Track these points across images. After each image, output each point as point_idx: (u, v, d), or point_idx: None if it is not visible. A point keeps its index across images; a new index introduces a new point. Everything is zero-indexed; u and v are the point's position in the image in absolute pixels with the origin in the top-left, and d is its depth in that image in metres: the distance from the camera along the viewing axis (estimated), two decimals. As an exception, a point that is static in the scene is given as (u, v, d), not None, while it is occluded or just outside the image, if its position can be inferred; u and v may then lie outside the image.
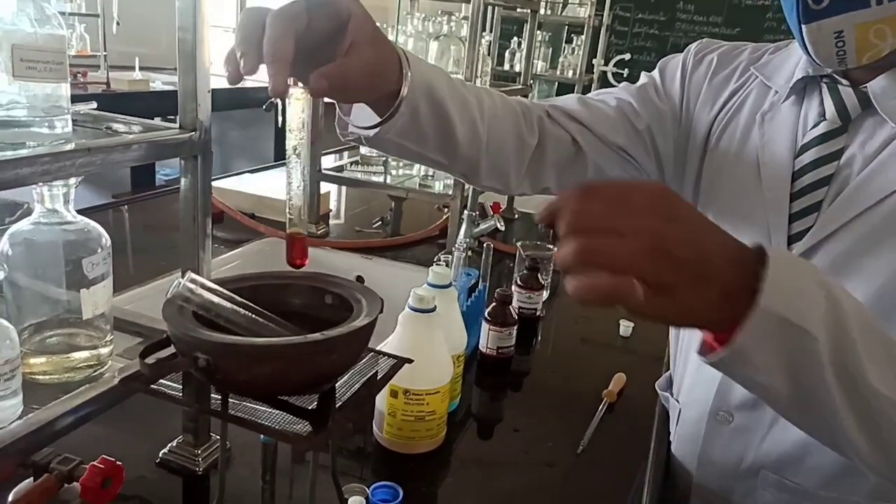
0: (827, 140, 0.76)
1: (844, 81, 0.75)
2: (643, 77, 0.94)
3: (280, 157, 4.37)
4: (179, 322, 0.52)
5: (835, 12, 0.66)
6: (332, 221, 1.96)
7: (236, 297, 0.58)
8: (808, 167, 0.77)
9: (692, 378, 0.92)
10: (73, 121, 0.68)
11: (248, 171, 2.21)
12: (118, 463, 0.69)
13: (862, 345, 0.48)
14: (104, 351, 0.73)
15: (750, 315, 0.46)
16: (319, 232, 1.74)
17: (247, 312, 0.56)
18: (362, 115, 0.72)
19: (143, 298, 1.29)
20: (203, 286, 0.57)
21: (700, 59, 0.91)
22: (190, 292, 0.55)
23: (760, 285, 0.45)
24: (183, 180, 0.73)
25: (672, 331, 1.03)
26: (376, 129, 0.70)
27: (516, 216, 2.17)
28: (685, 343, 0.95)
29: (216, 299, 0.56)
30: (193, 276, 0.57)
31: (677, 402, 0.97)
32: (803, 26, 0.68)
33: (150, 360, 0.55)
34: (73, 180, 0.68)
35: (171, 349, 0.56)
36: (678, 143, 0.90)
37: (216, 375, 0.51)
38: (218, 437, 0.83)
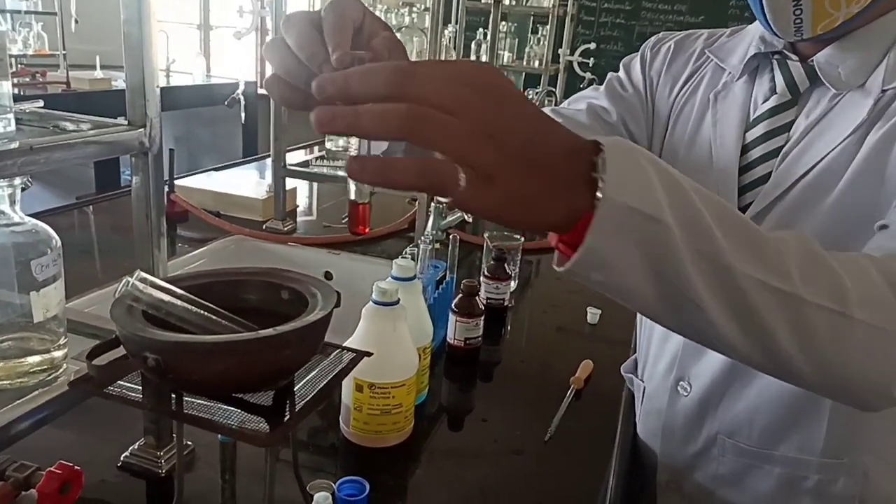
0: (777, 113, 0.79)
1: (794, 57, 0.78)
2: (608, 76, 0.97)
3: (248, 153, 4.33)
4: (128, 322, 0.51)
5: None
6: (302, 218, 1.94)
7: (188, 294, 0.57)
8: (758, 140, 0.80)
9: (655, 353, 0.95)
10: (17, 120, 0.67)
11: (214, 169, 2.18)
12: (76, 468, 0.67)
13: (716, 225, 0.45)
14: (58, 354, 0.71)
15: (596, 208, 0.41)
16: (286, 228, 1.72)
17: (199, 310, 0.56)
18: None
19: (106, 300, 1.27)
20: (153, 284, 0.55)
21: (657, 50, 0.94)
22: (139, 291, 0.54)
23: (600, 175, 0.41)
24: (134, 178, 0.72)
25: (639, 314, 1.04)
26: None
27: (485, 207, 2.16)
28: (648, 321, 0.97)
29: (167, 298, 0.55)
30: (143, 274, 0.55)
31: (641, 381, 1.00)
32: None
33: (100, 361, 0.54)
34: (18, 180, 0.67)
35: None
36: (648, 125, 0.93)
37: (168, 375, 0.50)
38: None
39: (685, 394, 0.89)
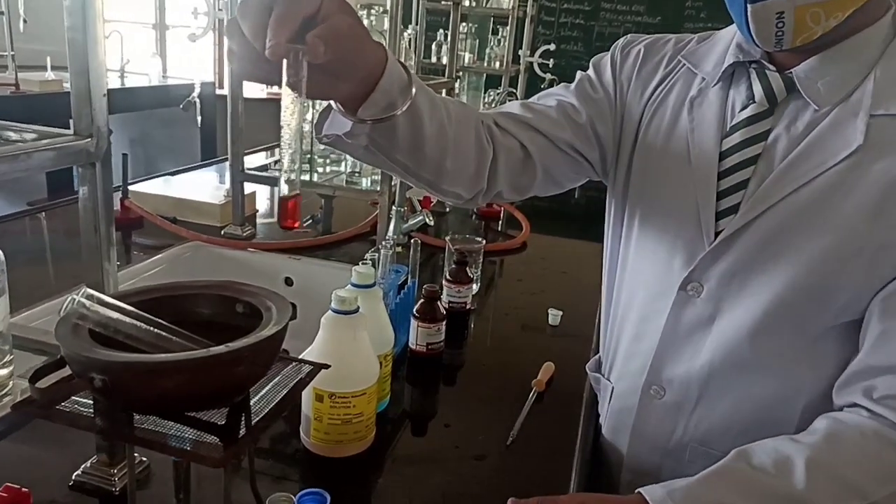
0: (754, 122, 0.80)
1: (771, 67, 0.79)
2: (578, 75, 0.97)
3: (207, 155, 4.26)
4: (73, 342, 0.50)
5: None
6: (264, 220, 1.92)
7: (138, 311, 0.55)
8: (735, 147, 0.81)
9: (626, 353, 0.95)
10: (-44, 130, 0.64)
11: (170, 173, 2.13)
12: (23, 490, 0.65)
13: None
14: (3, 372, 0.69)
15: None
16: (245, 234, 1.69)
17: (148, 327, 0.54)
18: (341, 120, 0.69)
19: (55, 313, 1.23)
20: (100, 301, 0.54)
21: (627, 53, 0.95)
22: (85, 308, 0.52)
23: None
24: (81, 189, 0.69)
25: (602, 310, 1.05)
26: (369, 123, 0.67)
27: (447, 209, 2.16)
28: (618, 322, 0.98)
29: (115, 315, 0.53)
30: (90, 291, 0.54)
31: (608, 380, 1.00)
32: (749, 6, 0.71)
33: (45, 382, 0.52)
34: (-44, 194, 0.64)
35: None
36: (615, 128, 0.94)
37: (115, 395, 0.49)
38: (136, 454, 0.80)
39: (658, 397, 0.89)
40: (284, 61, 0.54)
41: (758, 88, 0.80)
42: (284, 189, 0.57)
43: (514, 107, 0.94)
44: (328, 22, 0.56)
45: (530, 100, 0.96)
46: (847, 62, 0.75)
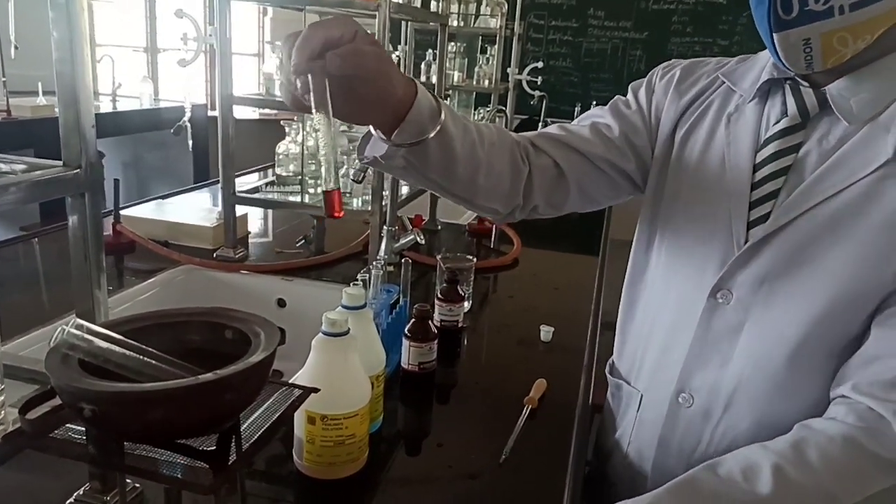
0: (787, 135, 0.83)
1: (805, 84, 0.82)
2: (615, 98, 1.02)
3: (200, 176, 4.27)
4: (62, 372, 0.50)
5: (803, 22, 0.72)
6: (258, 240, 1.92)
7: (127, 340, 0.56)
8: (768, 159, 0.84)
9: (654, 362, 0.97)
10: (-55, 163, 0.65)
11: (161, 197, 2.14)
12: (16, 520, 0.65)
13: None
14: (-7, 403, 0.69)
15: None
16: (237, 256, 1.70)
17: (138, 356, 0.55)
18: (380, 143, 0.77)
19: (48, 340, 1.23)
20: (90, 331, 0.55)
21: (664, 73, 1.00)
22: (75, 339, 0.53)
23: None
24: (70, 218, 0.70)
25: (621, 314, 1.07)
26: (402, 147, 0.75)
27: (439, 227, 2.17)
28: (645, 329, 0.99)
29: (104, 345, 0.54)
30: (79, 321, 0.54)
31: (634, 388, 1.01)
32: (774, 35, 0.74)
33: (36, 412, 0.52)
34: (-53, 227, 0.65)
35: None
36: (651, 139, 0.98)
37: (105, 424, 0.49)
38: (129, 480, 0.80)
39: (687, 405, 0.91)
40: (310, 80, 0.62)
41: (791, 103, 0.83)
42: (324, 186, 0.65)
43: (552, 128, 0.99)
44: (352, 44, 0.63)
45: (570, 123, 1.02)
46: (879, 81, 0.78)
